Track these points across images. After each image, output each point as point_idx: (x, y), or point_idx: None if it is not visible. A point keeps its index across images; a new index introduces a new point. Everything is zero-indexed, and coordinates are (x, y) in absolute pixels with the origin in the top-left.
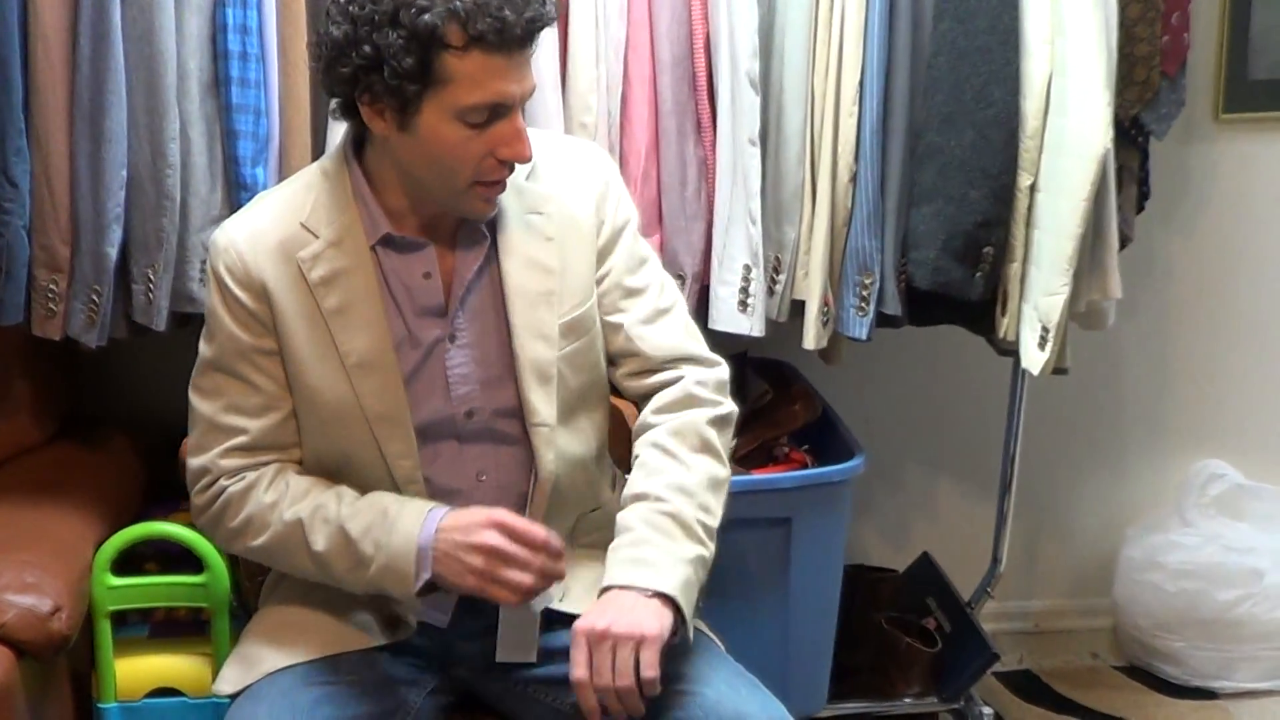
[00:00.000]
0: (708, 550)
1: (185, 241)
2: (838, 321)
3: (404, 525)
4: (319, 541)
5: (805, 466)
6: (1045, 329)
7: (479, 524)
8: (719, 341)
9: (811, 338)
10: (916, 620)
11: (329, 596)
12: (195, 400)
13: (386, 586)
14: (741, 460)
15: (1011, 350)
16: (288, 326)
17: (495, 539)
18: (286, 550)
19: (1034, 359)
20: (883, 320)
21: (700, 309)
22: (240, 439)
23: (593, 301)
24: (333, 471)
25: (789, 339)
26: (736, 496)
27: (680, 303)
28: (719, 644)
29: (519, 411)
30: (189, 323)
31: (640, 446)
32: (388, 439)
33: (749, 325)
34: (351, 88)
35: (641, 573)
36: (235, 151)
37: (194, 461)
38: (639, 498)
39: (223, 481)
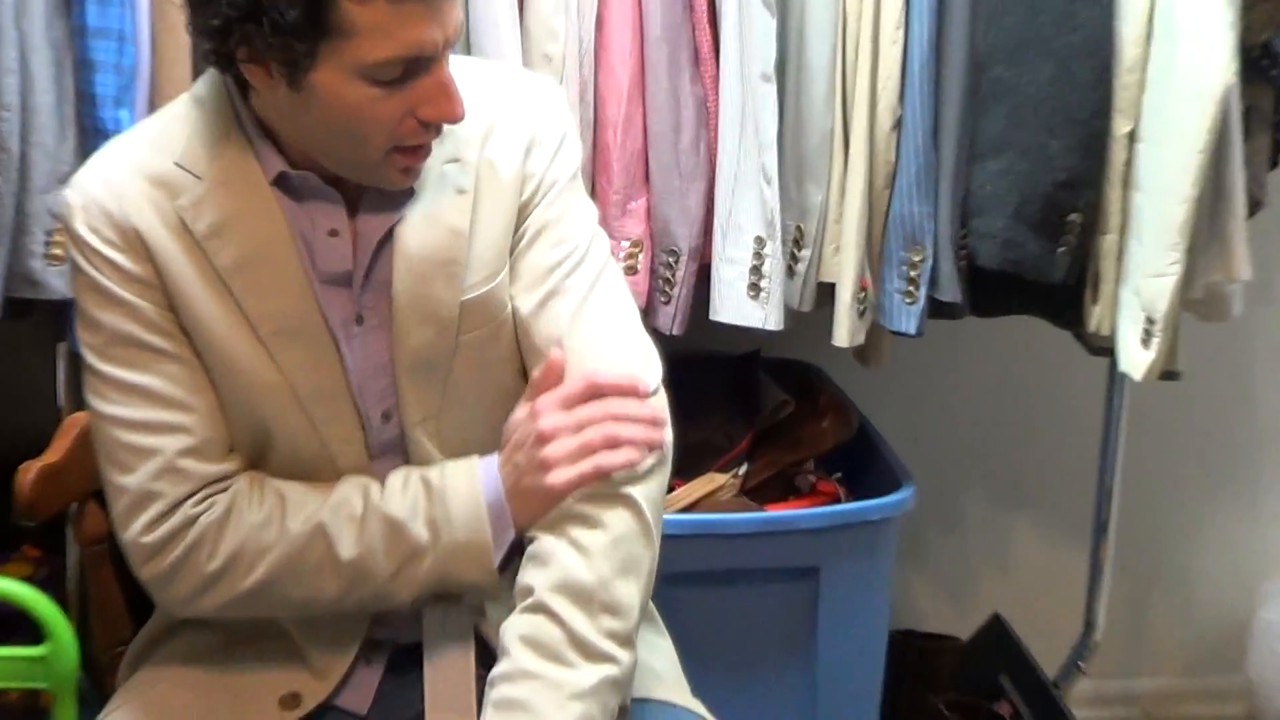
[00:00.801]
0: (619, 663)
1: (25, 206)
2: (878, 311)
3: (459, 486)
4: (348, 546)
5: (837, 500)
6: (1150, 320)
7: (528, 419)
8: (723, 338)
9: (844, 332)
10: (986, 705)
11: (214, 668)
12: (102, 412)
13: (457, 573)
14: (754, 493)
15: (1106, 348)
16: (181, 292)
17: (557, 418)
18: (299, 574)
19: (1135, 359)
20: (937, 309)
21: (700, 295)
22: (183, 439)
23: (504, 277)
24: (257, 457)
25: (815, 334)
26: (746, 541)
27: (613, 290)
28: None
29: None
30: (29, 313)
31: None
32: (327, 420)
33: (762, 316)
34: (224, 39)
35: None
36: (92, 88)
37: (130, 486)
38: (525, 595)
39: (189, 510)
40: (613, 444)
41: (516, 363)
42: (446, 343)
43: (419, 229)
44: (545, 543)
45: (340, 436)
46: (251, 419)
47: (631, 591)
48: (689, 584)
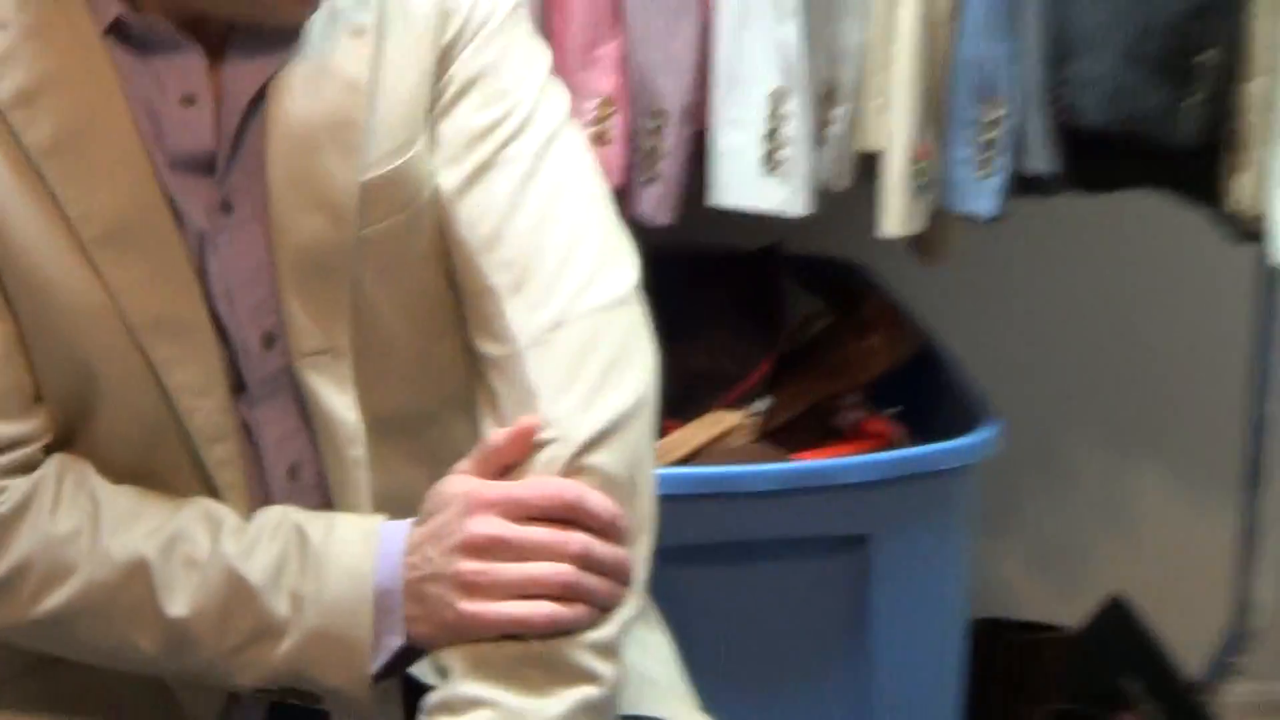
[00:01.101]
0: (600, 680)
1: None
2: (942, 188)
3: (345, 555)
4: (178, 601)
5: (892, 445)
6: None
7: (461, 503)
8: (730, 228)
9: (896, 217)
10: (1105, 714)
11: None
12: None
13: (317, 670)
14: (779, 435)
15: (1255, 233)
16: None
17: (498, 526)
18: (106, 616)
19: None
20: (1022, 184)
21: (695, 168)
22: None
23: (420, 147)
24: (75, 416)
25: (856, 220)
26: (770, 501)
27: (571, 163)
28: None
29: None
30: None
31: None
32: (173, 361)
33: (782, 196)
34: None
35: None
36: None
37: None
38: None
39: None
40: (565, 592)
41: (443, 263)
42: (344, 237)
43: (301, 83)
44: None
45: (193, 385)
46: (67, 360)
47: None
48: (693, 560)
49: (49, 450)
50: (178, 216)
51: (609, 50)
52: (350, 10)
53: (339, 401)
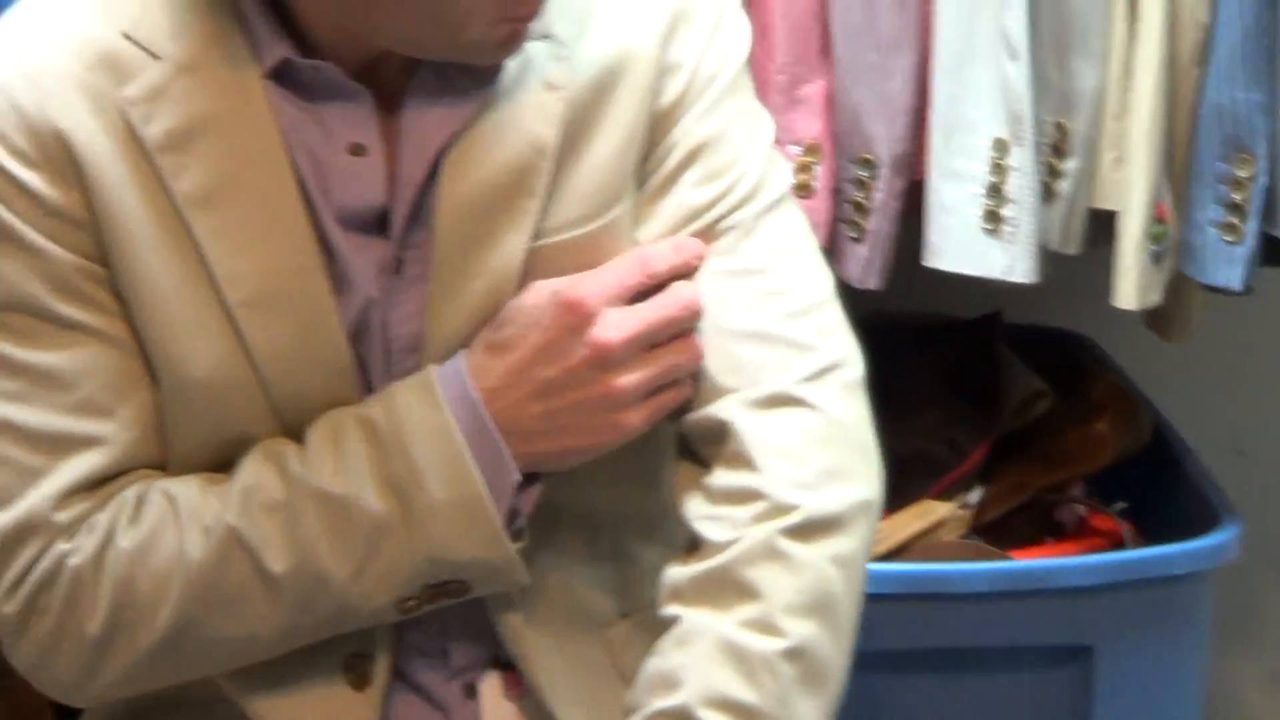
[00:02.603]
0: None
1: None
2: (1183, 254)
3: (411, 418)
4: (279, 553)
5: (1120, 545)
6: None
7: (563, 310)
8: (943, 294)
9: (1132, 287)
10: None
11: None
12: None
13: (445, 554)
14: (993, 530)
15: None
16: (120, 230)
17: (626, 321)
18: (226, 602)
19: None
20: (1273, 252)
21: (910, 227)
22: (91, 459)
23: (614, 218)
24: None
25: (1085, 289)
26: (982, 604)
27: (789, 229)
28: None
29: None
30: None
31: (667, 605)
32: None
33: (1005, 261)
34: None
35: None
36: None
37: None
38: (658, 689)
39: (60, 546)
40: (675, 374)
41: None
42: (499, 306)
43: (482, 138)
44: (691, 622)
45: (404, 388)
46: (210, 433)
47: (813, 712)
48: (898, 667)
49: None
50: (336, 278)
51: (814, 91)
52: (544, 60)
53: None
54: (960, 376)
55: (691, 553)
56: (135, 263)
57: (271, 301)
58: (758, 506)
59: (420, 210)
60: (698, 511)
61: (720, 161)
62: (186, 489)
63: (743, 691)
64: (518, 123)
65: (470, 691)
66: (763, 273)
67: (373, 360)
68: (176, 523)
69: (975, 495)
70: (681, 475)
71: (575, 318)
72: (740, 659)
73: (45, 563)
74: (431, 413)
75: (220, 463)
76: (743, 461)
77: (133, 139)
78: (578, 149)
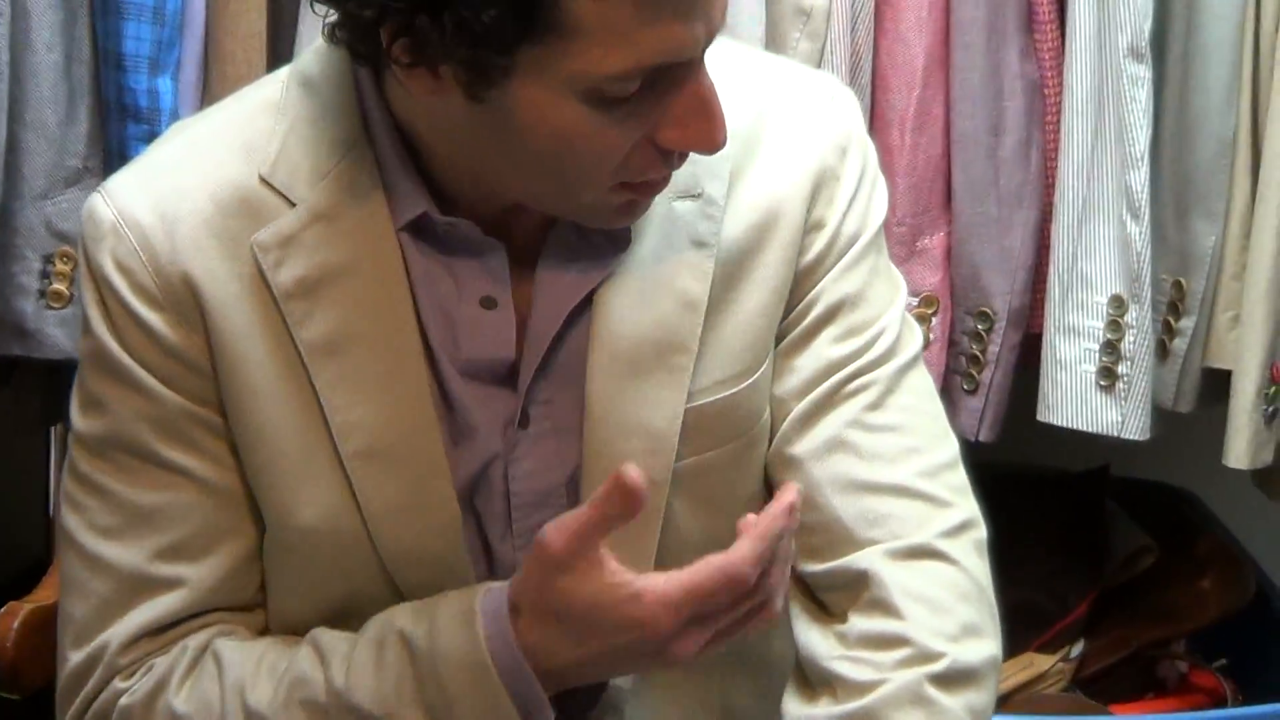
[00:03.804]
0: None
1: (14, 217)
2: None
3: (452, 649)
4: None
5: (1223, 702)
6: None
7: (630, 600)
8: (1053, 447)
9: (1244, 446)
10: None
11: None
12: (72, 533)
13: None
14: (1094, 684)
15: None
16: (239, 378)
17: (686, 612)
18: None
19: None
20: None
21: (1025, 381)
22: (171, 600)
23: (763, 373)
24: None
25: (1194, 447)
26: None
27: (920, 390)
28: None
29: None
30: (11, 377)
31: None
32: (421, 589)
33: (1118, 418)
34: (373, 32)
35: None
36: (118, 45)
37: (73, 659)
38: None
39: (118, 684)
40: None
41: (764, 498)
42: (661, 467)
43: (633, 297)
44: None
45: (449, 612)
46: (316, 582)
47: None
48: None
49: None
50: (455, 431)
51: (935, 243)
52: (692, 218)
53: None
54: (1067, 529)
55: (818, 692)
56: (253, 409)
57: (386, 453)
58: (903, 652)
59: (549, 365)
60: (831, 653)
61: (860, 318)
62: (237, 659)
63: None
64: (669, 280)
65: None
66: (900, 430)
67: (489, 515)
68: (221, 694)
69: (1078, 649)
70: (803, 616)
71: (654, 641)
72: None
73: (104, 697)
74: (470, 647)
75: (325, 614)
76: (884, 609)
77: (262, 284)
78: (727, 307)
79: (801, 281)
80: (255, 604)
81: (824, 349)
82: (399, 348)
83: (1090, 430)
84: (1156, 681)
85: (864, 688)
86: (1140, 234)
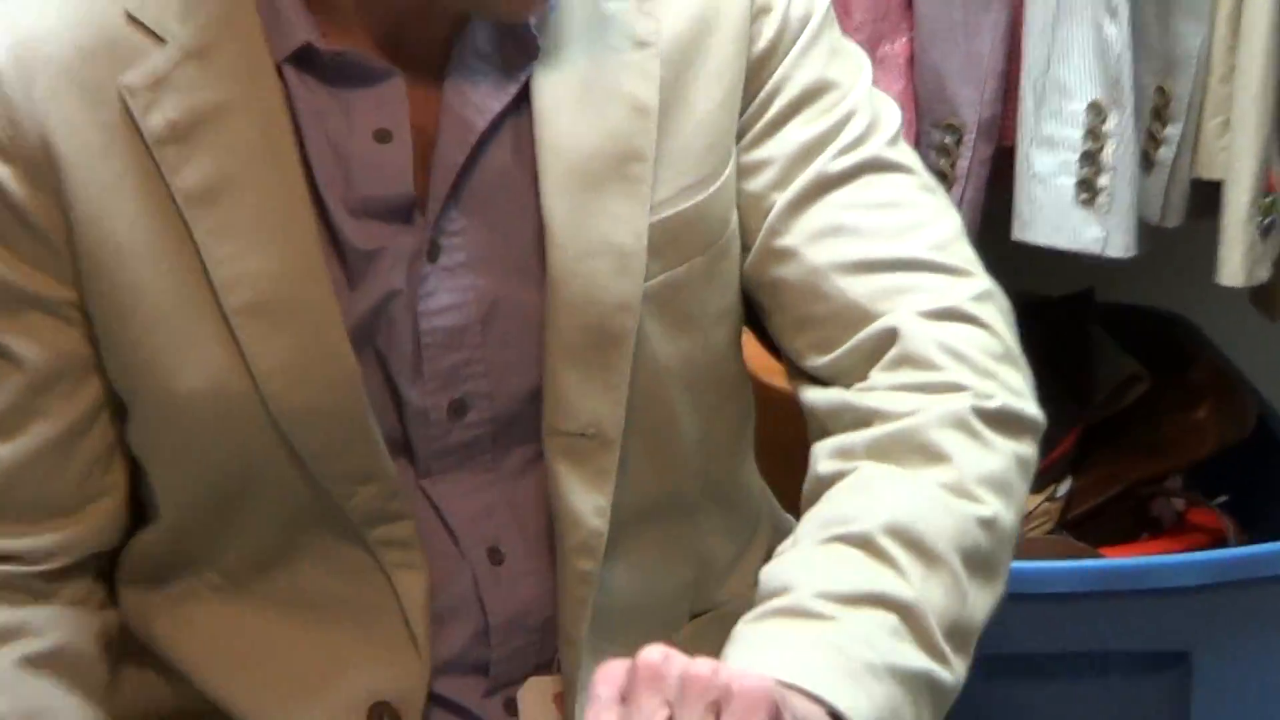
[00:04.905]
0: (948, 674)
1: None
2: None
3: None
4: None
5: (1222, 542)
6: None
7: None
8: (1032, 269)
9: (1238, 263)
10: None
11: None
12: None
13: None
14: (1082, 525)
15: None
16: (100, 238)
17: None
18: None
19: None
20: None
21: (997, 197)
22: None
23: (728, 176)
24: (199, 520)
25: (1185, 266)
26: (1072, 605)
27: (918, 185)
28: None
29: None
30: None
31: (829, 463)
32: (323, 455)
33: (1100, 234)
34: None
35: (808, 664)
36: None
37: None
38: (840, 538)
39: None
40: None
41: (737, 316)
42: (627, 289)
43: (574, 106)
44: (873, 470)
45: (352, 474)
46: (206, 453)
47: (985, 600)
48: (979, 673)
49: (66, 574)
50: (349, 275)
51: (896, 49)
52: (627, 17)
53: (585, 502)
54: (1049, 359)
55: (852, 430)
56: (123, 272)
57: (274, 307)
58: (946, 390)
59: (460, 193)
60: (861, 397)
61: (829, 100)
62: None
63: (933, 535)
64: (613, 84)
65: (511, 708)
66: (899, 205)
67: (396, 358)
68: None
69: (1065, 487)
70: (813, 388)
71: None
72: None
73: None
74: None
75: (218, 486)
76: (918, 362)
77: (131, 131)
78: (679, 109)
79: (757, 71)
80: (77, 501)
81: (795, 133)
82: (283, 191)
83: (1071, 248)
84: (1151, 521)
85: (902, 414)
86: (1119, 35)
